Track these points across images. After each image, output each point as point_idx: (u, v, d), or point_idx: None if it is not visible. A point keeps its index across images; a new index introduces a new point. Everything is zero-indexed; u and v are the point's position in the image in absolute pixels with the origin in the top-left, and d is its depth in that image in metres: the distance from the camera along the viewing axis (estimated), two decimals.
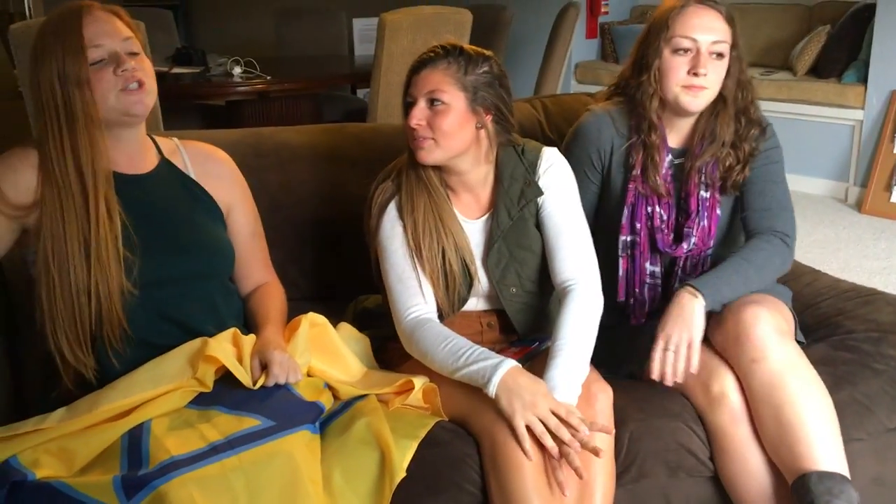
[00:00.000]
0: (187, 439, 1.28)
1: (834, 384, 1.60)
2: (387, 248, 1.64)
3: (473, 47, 1.61)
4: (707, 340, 1.73)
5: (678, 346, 1.59)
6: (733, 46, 1.71)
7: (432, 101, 1.56)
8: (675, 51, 1.69)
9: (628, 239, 1.79)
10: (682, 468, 1.61)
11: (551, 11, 4.62)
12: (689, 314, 1.61)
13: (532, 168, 1.68)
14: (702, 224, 1.77)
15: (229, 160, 1.70)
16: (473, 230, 1.68)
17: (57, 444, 1.27)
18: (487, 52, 1.62)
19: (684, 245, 1.77)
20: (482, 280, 1.68)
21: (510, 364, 1.47)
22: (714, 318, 1.71)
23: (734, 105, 1.74)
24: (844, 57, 4.76)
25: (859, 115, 4.66)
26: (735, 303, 1.68)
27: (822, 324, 1.87)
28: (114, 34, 1.45)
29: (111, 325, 1.41)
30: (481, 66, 1.59)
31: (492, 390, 1.45)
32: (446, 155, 1.59)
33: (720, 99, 1.74)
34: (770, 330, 1.59)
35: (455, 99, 1.56)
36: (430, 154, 1.58)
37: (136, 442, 1.27)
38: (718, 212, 1.79)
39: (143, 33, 1.52)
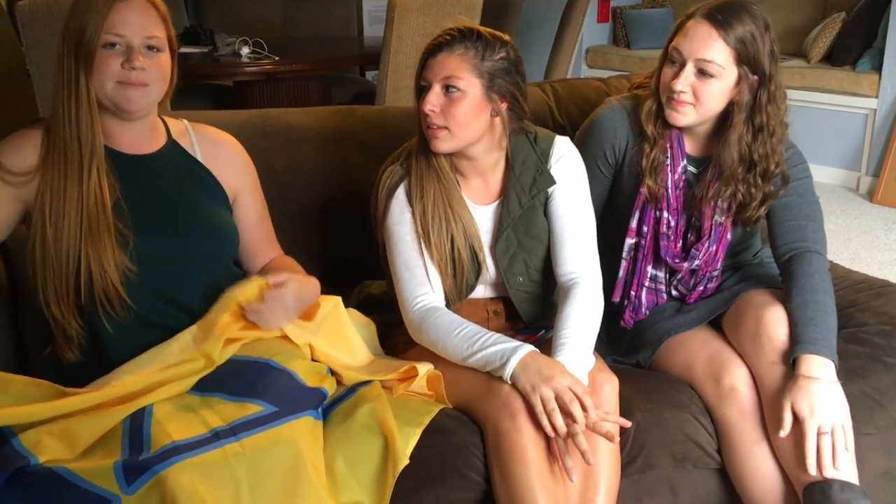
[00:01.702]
0: (189, 424, 1.27)
1: (845, 377, 1.58)
2: (394, 234, 1.62)
3: (490, 31, 1.58)
4: (720, 330, 1.71)
5: (834, 430, 1.49)
6: (741, 68, 1.60)
7: (447, 87, 1.53)
8: (668, 59, 1.65)
9: (633, 242, 1.76)
10: (689, 460, 1.60)
11: None
12: (834, 392, 1.51)
13: (544, 156, 1.66)
14: (710, 248, 1.73)
15: (238, 145, 1.68)
16: (482, 216, 1.66)
17: (59, 426, 1.27)
18: (505, 37, 1.58)
19: (686, 264, 1.73)
20: (490, 268, 1.66)
21: (529, 347, 1.46)
22: (731, 312, 1.69)
23: (743, 147, 1.65)
24: (859, 44, 4.70)
25: (873, 104, 4.60)
26: (754, 300, 1.66)
27: None
28: (139, 27, 1.43)
29: (106, 295, 1.41)
30: (498, 52, 1.55)
31: (509, 370, 1.43)
32: (460, 143, 1.56)
33: (728, 125, 1.66)
34: (789, 333, 1.57)
35: (471, 86, 1.53)
36: (445, 143, 1.55)
37: (137, 426, 1.26)
38: (729, 236, 1.74)
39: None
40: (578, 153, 1.70)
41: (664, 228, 1.73)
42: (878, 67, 4.58)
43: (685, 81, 1.61)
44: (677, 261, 1.73)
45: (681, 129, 1.70)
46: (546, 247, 1.68)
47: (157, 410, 1.30)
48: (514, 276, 1.66)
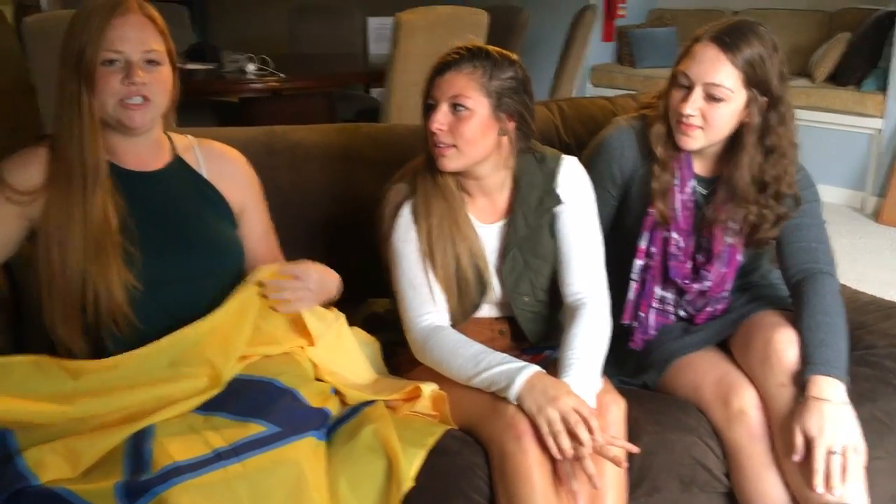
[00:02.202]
0: (191, 445, 1.26)
1: (854, 401, 1.55)
2: (399, 252, 1.61)
3: (498, 50, 1.57)
4: (728, 351, 1.70)
5: (845, 450, 1.46)
6: (750, 90, 1.59)
7: (455, 106, 1.52)
8: (676, 83, 1.64)
9: (643, 263, 1.74)
10: (696, 483, 1.58)
11: (568, 13, 4.59)
12: (845, 413, 1.49)
13: (551, 176, 1.65)
14: (721, 270, 1.71)
15: (243, 160, 1.68)
16: (488, 235, 1.65)
17: (63, 444, 1.26)
18: (513, 56, 1.57)
19: (696, 286, 1.71)
20: (495, 287, 1.65)
21: (535, 368, 1.45)
22: (740, 333, 1.67)
23: (754, 169, 1.64)
24: (864, 65, 4.71)
25: (878, 124, 4.60)
26: (763, 321, 1.64)
27: None
28: (137, 42, 1.42)
29: (112, 315, 1.41)
30: (507, 71, 1.55)
31: (515, 390, 1.42)
32: (468, 162, 1.55)
33: (738, 146, 1.65)
34: (800, 355, 1.56)
35: (479, 105, 1.52)
36: (452, 162, 1.54)
37: (139, 445, 1.25)
38: (740, 257, 1.73)
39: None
40: (586, 173, 1.69)
41: (673, 249, 1.71)
42: (883, 87, 4.59)
43: (694, 105, 1.60)
44: (687, 282, 1.72)
45: (688, 152, 1.69)
46: (552, 267, 1.66)
47: (159, 430, 1.29)
48: (520, 296, 1.65)
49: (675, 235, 1.71)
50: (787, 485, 1.53)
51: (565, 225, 1.64)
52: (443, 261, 1.58)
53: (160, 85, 1.46)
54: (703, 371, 1.66)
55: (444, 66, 1.55)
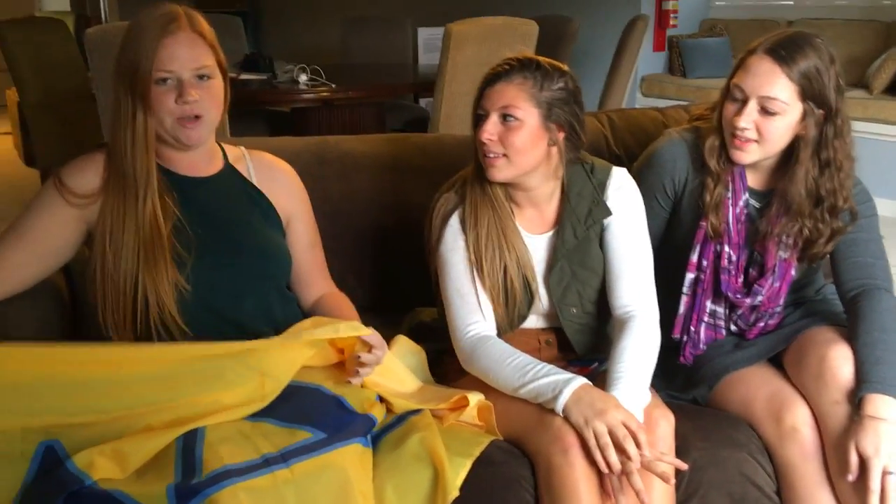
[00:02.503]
0: (241, 449, 1.27)
1: None
2: (447, 261, 1.61)
3: (549, 60, 1.57)
4: (781, 367, 1.67)
5: None
6: (806, 104, 1.57)
7: (505, 117, 1.53)
8: (730, 96, 1.61)
9: (693, 276, 1.72)
10: (746, 501, 1.55)
11: (618, 23, 4.57)
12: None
13: (601, 187, 1.64)
14: (774, 285, 1.68)
15: (292, 172, 1.71)
16: (536, 246, 1.65)
17: (111, 447, 1.28)
18: (563, 67, 1.57)
19: (748, 300, 1.69)
20: (542, 298, 1.64)
21: (582, 380, 1.44)
22: (792, 349, 1.64)
23: (810, 182, 1.61)
24: None
25: None
26: (817, 337, 1.61)
27: None
28: (188, 61, 1.45)
29: (161, 317, 1.44)
30: (557, 82, 1.55)
31: (561, 402, 1.41)
32: (517, 172, 1.56)
33: (793, 160, 1.62)
34: (855, 372, 1.52)
35: (529, 115, 1.52)
36: (502, 172, 1.55)
37: (190, 447, 1.27)
38: (793, 272, 1.69)
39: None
40: (635, 185, 1.68)
41: (725, 263, 1.69)
42: None
43: (748, 119, 1.58)
44: (739, 296, 1.69)
45: (742, 165, 1.67)
46: (601, 278, 1.65)
47: (209, 434, 1.30)
48: (568, 308, 1.65)
49: (727, 249, 1.68)
50: None
51: (615, 237, 1.63)
52: (490, 271, 1.58)
53: (212, 100, 1.49)
54: (755, 387, 1.63)
55: (494, 77, 1.55)
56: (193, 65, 1.46)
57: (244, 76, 3.83)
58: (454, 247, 1.61)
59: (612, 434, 1.37)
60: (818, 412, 1.54)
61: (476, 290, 1.59)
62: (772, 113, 1.57)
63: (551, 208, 1.65)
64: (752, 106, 1.57)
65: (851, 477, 1.45)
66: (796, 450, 1.53)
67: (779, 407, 1.57)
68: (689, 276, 1.72)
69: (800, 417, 1.55)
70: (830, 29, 5.17)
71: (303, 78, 3.68)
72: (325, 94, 3.59)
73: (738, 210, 1.68)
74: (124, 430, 1.30)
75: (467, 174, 1.65)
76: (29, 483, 1.25)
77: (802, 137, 1.60)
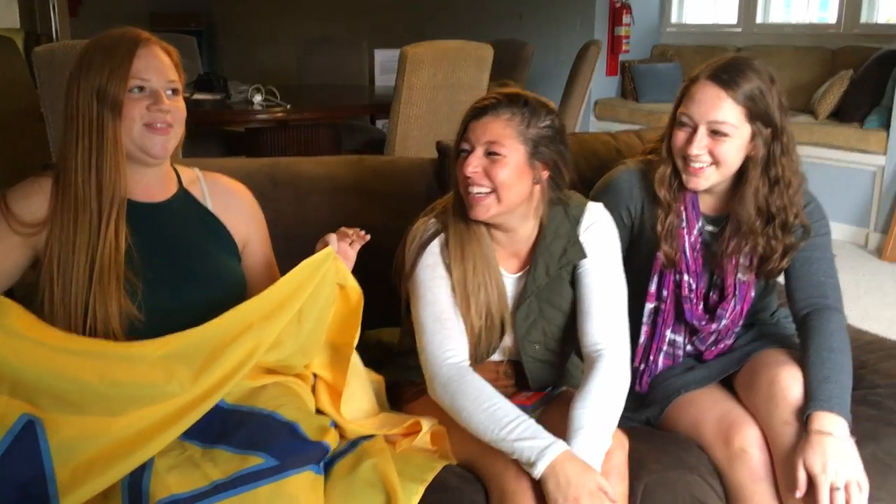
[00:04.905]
0: (189, 477, 1.25)
1: (856, 441, 1.54)
2: (426, 288, 1.56)
3: (536, 97, 1.55)
4: (732, 389, 1.69)
5: (848, 486, 1.45)
6: (754, 124, 1.60)
7: (490, 152, 1.49)
8: (679, 124, 1.63)
9: (653, 306, 1.73)
10: None
11: (572, 48, 4.64)
12: (847, 448, 1.48)
13: (575, 223, 1.62)
14: (736, 307, 1.71)
15: (248, 194, 1.69)
16: (508, 283, 1.62)
17: (86, 464, 1.24)
18: (550, 104, 1.56)
19: (713, 325, 1.71)
20: (507, 333, 1.62)
21: (559, 449, 1.38)
22: (744, 371, 1.67)
23: (760, 200, 1.64)
24: (867, 102, 4.73)
25: (881, 161, 4.62)
26: (768, 359, 1.64)
27: None
28: (161, 72, 1.47)
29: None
30: (544, 119, 1.52)
31: (537, 473, 1.37)
32: (502, 210, 1.52)
33: (743, 180, 1.65)
34: (804, 393, 1.55)
35: (514, 152, 1.49)
36: (487, 211, 1.51)
37: (136, 481, 1.24)
38: (753, 293, 1.72)
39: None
40: (611, 220, 1.66)
41: (686, 292, 1.70)
42: (886, 125, 4.61)
43: (700, 144, 1.60)
44: (703, 323, 1.71)
45: (695, 192, 1.69)
46: (567, 316, 1.63)
47: (157, 461, 1.28)
48: (531, 344, 1.63)
49: (686, 278, 1.70)
50: None
51: (587, 274, 1.60)
52: (476, 308, 1.54)
53: (180, 114, 1.50)
54: (705, 409, 1.65)
55: (480, 111, 1.52)
56: (166, 77, 1.47)
57: (197, 96, 3.79)
58: (433, 275, 1.56)
59: None
60: (769, 433, 1.56)
61: (456, 319, 1.54)
62: (722, 134, 1.59)
63: (527, 247, 1.62)
64: (702, 132, 1.60)
65: (800, 493, 1.46)
66: (745, 471, 1.55)
67: (727, 428, 1.59)
68: (649, 305, 1.73)
69: (748, 439, 1.56)
70: (778, 56, 5.31)
71: (257, 98, 3.66)
72: (279, 114, 3.58)
73: (692, 238, 1.70)
74: (104, 410, 1.28)
75: (446, 203, 1.62)
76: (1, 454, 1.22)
77: (752, 157, 1.63)
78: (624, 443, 1.50)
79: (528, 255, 1.63)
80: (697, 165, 1.62)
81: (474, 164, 1.49)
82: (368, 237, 1.55)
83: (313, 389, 1.57)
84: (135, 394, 1.30)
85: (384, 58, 4.64)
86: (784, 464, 1.52)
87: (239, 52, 7.81)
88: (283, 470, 1.29)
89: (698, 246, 1.71)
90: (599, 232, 1.63)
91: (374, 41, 5.06)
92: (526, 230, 1.60)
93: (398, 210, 2.04)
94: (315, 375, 1.58)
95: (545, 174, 1.55)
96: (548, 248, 1.60)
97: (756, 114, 1.60)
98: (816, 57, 5.30)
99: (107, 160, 1.43)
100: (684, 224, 1.69)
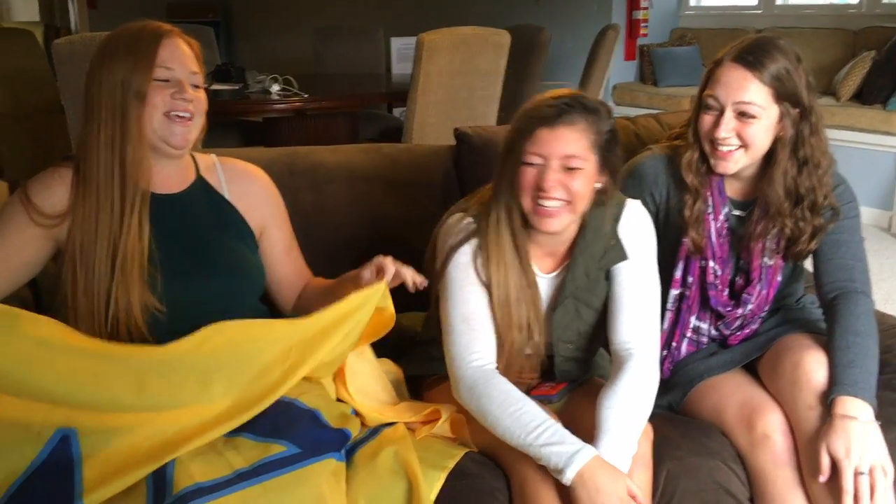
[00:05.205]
0: (213, 465, 1.26)
1: (881, 426, 1.53)
2: (455, 284, 1.52)
3: (595, 99, 1.50)
4: (754, 374, 1.67)
5: (873, 470, 1.43)
6: (781, 105, 1.57)
7: (568, 167, 1.43)
8: (705, 107, 1.60)
9: (678, 293, 1.71)
10: None
11: (590, 33, 4.60)
12: (871, 432, 1.46)
13: (615, 221, 1.57)
14: (762, 292, 1.69)
15: (265, 178, 1.69)
16: (544, 284, 1.59)
17: (114, 464, 1.25)
18: (608, 104, 1.51)
19: (740, 310, 1.69)
20: (539, 334, 1.57)
21: (587, 455, 1.35)
22: (768, 356, 1.65)
23: (788, 182, 1.61)
24: (890, 83, 4.66)
25: None
26: (792, 343, 1.62)
27: None
28: (185, 63, 1.48)
29: (132, 337, 1.42)
30: (607, 124, 1.47)
31: (567, 480, 1.35)
32: (573, 220, 1.49)
33: (771, 162, 1.62)
34: (829, 377, 1.54)
35: (589, 162, 1.45)
36: (562, 223, 1.47)
37: (160, 471, 1.24)
38: (779, 278, 1.70)
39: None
40: (648, 217, 1.63)
41: (711, 278, 1.68)
42: None
43: (727, 127, 1.57)
44: (728, 309, 1.69)
45: (721, 176, 1.67)
46: (599, 313, 1.61)
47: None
48: (565, 344, 1.61)
49: (711, 264, 1.68)
50: None
51: (623, 272, 1.56)
52: (507, 317, 1.51)
53: (202, 105, 1.51)
54: (727, 394, 1.64)
55: (552, 120, 1.43)
56: (190, 68, 1.48)
57: (216, 87, 3.80)
58: (465, 276, 1.51)
59: None
60: (793, 417, 1.55)
61: (485, 321, 1.50)
62: (750, 116, 1.57)
63: (565, 246, 1.58)
64: (729, 114, 1.57)
65: (823, 478, 1.45)
66: (768, 456, 1.54)
67: (750, 414, 1.58)
68: (673, 292, 1.71)
69: (771, 424, 1.55)
70: (798, 37, 5.24)
71: (275, 88, 3.66)
72: (297, 104, 3.58)
73: (718, 224, 1.68)
74: (136, 425, 1.28)
75: (482, 198, 1.56)
76: (35, 469, 1.23)
77: (780, 138, 1.61)
78: (649, 433, 1.49)
79: (566, 254, 1.58)
80: (726, 149, 1.59)
81: (553, 179, 1.43)
82: (426, 283, 1.51)
83: (333, 378, 1.57)
84: (169, 403, 1.31)
85: (401, 45, 4.62)
86: (808, 449, 1.51)
87: (256, 41, 7.82)
88: (306, 458, 1.30)
89: (724, 232, 1.69)
90: (638, 230, 1.59)
91: (391, 29, 5.04)
92: (570, 231, 1.55)
93: (416, 198, 2.04)
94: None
95: (604, 178, 1.51)
96: (588, 248, 1.55)
97: (783, 94, 1.58)
98: (838, 38, 5.23)
99: (130, 150, 1.43)
100: (710, 210, 1.67)
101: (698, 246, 1.67)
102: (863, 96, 4.77)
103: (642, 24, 5.93)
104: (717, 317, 1.73)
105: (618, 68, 5.80)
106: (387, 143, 2.41)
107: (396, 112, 4.88)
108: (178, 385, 1.31)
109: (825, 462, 1.45)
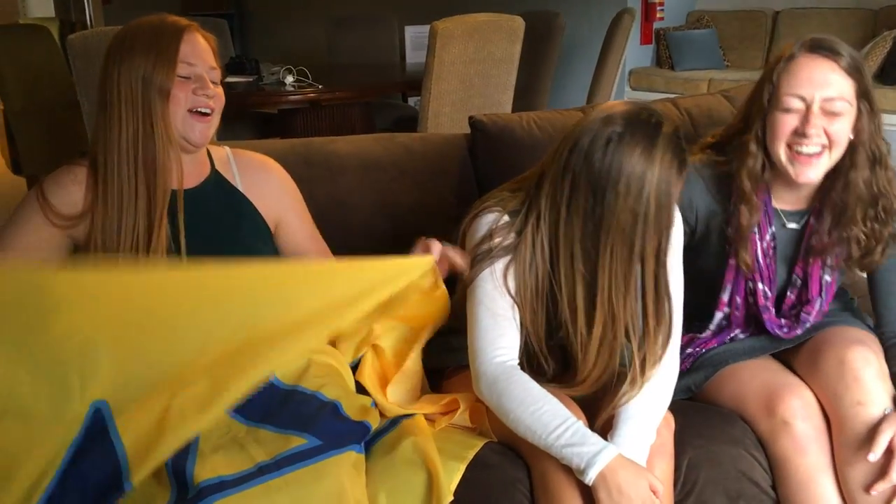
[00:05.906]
0: (235, 458, 1.26)
1: None
2: (485, 280, 1.48)
3: None
4: (777, 357, 1.64)
5: None
6: (861, 102, 1.49)
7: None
8: (782, 109, 1.49)
9: (723, 314, 1.66)
10: (743, 497, 1.54)
11: (605, 17, 4.56)
12: None
13: None
14: (822, 308, 1.62)
15: (278, 168, 1.69)
16: None
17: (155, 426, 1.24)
18: None
19: (798, 330, 1.62)
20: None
21: (609, 455, 1.35)
22: (805, 349, 1.61)
23: (864, 185, 1.51)
24: None
25: None
26: (835, 337, 1.58)
27: None
28: (205, 58, 1.48)
29: None
30: None
31: (589, 480, 1.35)
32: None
33: (847, 164, 1.52)
34: (876, 374, 1.51)
35: None
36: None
37: (181, 462, 1.24)
38: (835, 288, 1.64)
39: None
40: (678, 212, 1.54)
41: (762, 301, 1.62)
42: None
43: (816, 123, 1.46)
44: (786, 330, 1.63)
45: (769, 192, 1.58)
46: None
47: (202, 443, 1.28)
48: None
49: (761, 286, 1.61)
50: (839, 496, 1.50)
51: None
52: (534, 323, 1.49)
53: (221, 100, 1.51)
54: (747, 380, 1.61)
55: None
56: (210, 64, 1.49)
57: (230, 79, 3.81)
58: (494, 284, 1.47)
59: None
60: (836, 413, 1.51)
61: (512, 318, 1.47)
62: (835, 114, 1.48)
63: None
64: (817, 110, 1.47)
65: (873, 457, 1.42)
66: (789, 443, 1.52)
67: (769, 400, 1.55)
68: (719, 315, 1.66)
69: (791, 410, 1.53)
70: (818, 17, 5.18)
71: (289, 79, 3.67)
72: (311, 94, 3.58)
73: (765, 244, 1.61)
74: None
75: (524, 184, 1.50)
76: (75, 450, 1.22)
77: (858, 138, 1.52)
78: (670, 421, 1.48)
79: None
80: (812, 151, 1.49)
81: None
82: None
83: (358, 365, 1.56)
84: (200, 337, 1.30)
85: (415, 34, 4.61)
86: (854, 443, 1.48)
87: (269, 33, 7.83)
88: (326, 450, 1.29)
89: (770, 252, 1.62)
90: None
91: (405, 18, 5.02)
92: None
93: (431, 187, 2.04)
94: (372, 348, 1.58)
95: None
96: None
97: (862, 88, 1.50)
98: (858, 18, 5.16)
99: (159, 151, 1.43)
100: (755, 229, 1.59)
101: (749, 266, 1.59)
102: (884, 76, 4.71)
103: (658, 8, 5.87)
104: (762, 330, 1.67)
105: (634, 53, 5.75)
106: (402, 132, 2.40)
107: (412, 101, 4.87)
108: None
109: (883, 441, 1.41)
